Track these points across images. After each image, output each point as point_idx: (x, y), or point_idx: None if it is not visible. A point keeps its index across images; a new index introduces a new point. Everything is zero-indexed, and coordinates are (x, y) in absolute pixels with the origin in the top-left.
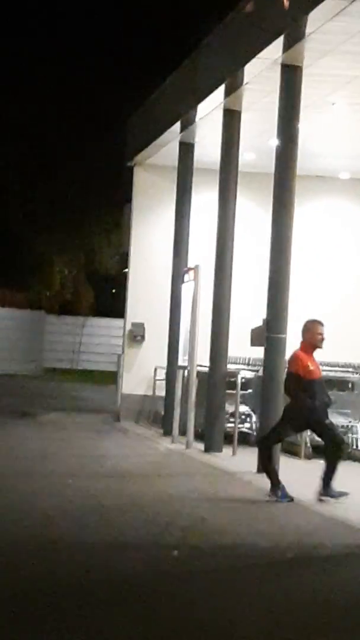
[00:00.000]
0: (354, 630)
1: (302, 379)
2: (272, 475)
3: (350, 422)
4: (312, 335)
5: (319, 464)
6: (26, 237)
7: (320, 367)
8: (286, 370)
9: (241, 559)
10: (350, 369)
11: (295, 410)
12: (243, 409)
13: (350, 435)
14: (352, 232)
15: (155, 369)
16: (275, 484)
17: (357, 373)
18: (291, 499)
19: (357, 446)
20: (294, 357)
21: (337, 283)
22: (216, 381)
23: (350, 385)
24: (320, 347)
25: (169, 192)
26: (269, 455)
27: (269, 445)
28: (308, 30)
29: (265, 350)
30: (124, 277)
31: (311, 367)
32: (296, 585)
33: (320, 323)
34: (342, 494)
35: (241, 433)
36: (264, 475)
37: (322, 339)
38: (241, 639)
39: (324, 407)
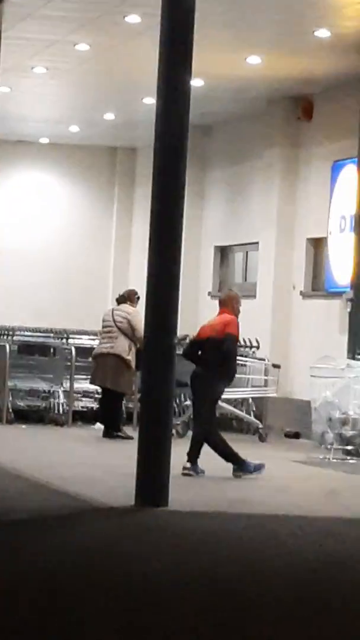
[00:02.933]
0: (52, 596)
1: (236, 344)
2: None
3: (52, 387)
4: (238, 306)
5: (22, 430)
6: None
7: (22, 333)
8: (224, 333)
9: None
10: (51, 335)
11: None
12: None
13: (52, 400)
14: (51, 195)
15: None
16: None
17: (58, 338)
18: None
19: (59, 410)
20: (233, 321)
21: (43, 251)
22: None
23: (52, 351)
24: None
25: None
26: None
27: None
28: None
29: None
30: None
31: None
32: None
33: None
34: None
35: None
36: None
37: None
38: None
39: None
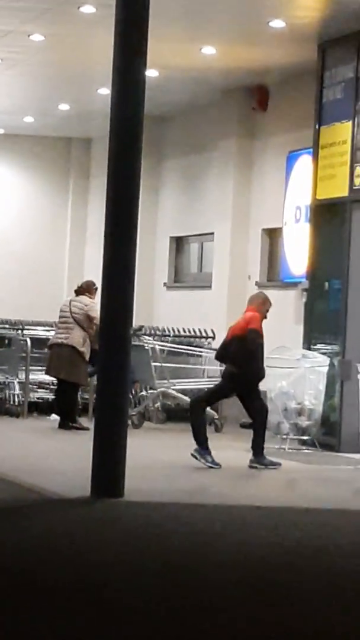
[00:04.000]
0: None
1: (261, 340)
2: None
3: (7, 378)
4: (266, 307)
5: None
6: None
7: None
8: (246, 330)
9: None
10: (6, 326)
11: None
12: None
13: (7, 391)
14: (5, 186)
15: None
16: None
17: (13, 329)
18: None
19: (14, 402)
20: (255, 317)
21: (7, 240)
22: None
23: (7, 342)
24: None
25: None
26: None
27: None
28: None
29: None
30: None
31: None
32: None
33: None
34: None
35: None
36: None
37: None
38: None
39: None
